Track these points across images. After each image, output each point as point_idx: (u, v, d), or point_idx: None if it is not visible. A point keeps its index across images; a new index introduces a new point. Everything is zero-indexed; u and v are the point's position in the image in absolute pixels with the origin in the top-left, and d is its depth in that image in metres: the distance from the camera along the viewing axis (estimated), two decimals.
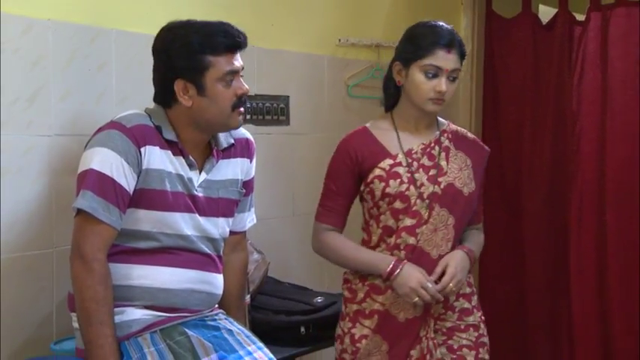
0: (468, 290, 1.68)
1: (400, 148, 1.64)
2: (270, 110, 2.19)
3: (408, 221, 1.61)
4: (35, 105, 1.62)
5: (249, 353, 1.50)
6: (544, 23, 2.73)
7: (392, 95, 1.70)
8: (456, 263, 1.59)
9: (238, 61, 1.48)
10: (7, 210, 1.58)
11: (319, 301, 1.92)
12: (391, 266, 1.58)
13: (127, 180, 1.41)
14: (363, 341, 1.63)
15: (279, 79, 2.22)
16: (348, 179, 1.66)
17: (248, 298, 1.79)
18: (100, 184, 1.39)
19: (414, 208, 1.60)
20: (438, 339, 1.64)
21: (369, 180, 1.63)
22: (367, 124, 1.72)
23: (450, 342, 1.64)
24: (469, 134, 1.75)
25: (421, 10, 2.61)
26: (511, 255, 2.81)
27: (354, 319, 1.66)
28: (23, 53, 1.59)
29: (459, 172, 1.64)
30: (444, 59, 1.58)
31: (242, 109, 1.50)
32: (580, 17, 2.62)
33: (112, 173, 1.40)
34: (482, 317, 1.71)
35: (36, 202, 1.63)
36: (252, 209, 1.70)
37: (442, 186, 1.61)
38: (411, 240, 1.61)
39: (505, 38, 2.76)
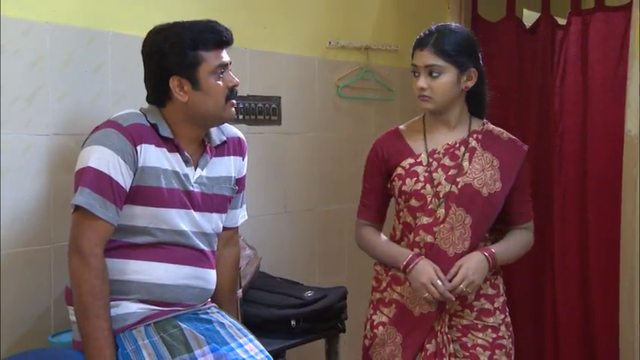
0: (491, 291, 1.68)
1: (425, 148, 1.69)
2: (262, 110, 2.24)
3: (425, 219, 1.65)
4: (34, 105, 1.66)
5: (241, 345, 1.54)
6: (527, 27, 2.79)
7: None
8: (469, 265, 1.59)
9: (226, 55, 1.53)
10: (7, 207, 1.61)
11: (309, 295, 1.96)
12: (407, 260, 1.64)
13: (123, 177, 1.45)
14: (380, 328, 1.70)
15: (271, 81, 2.26)
16: (378, 177, 1.74)
17: (240, 292, 1.82)
18: (97, 181, 1.43)
19: (429, 207, 1.64)
20: (452, 335, 1.65)
21: (391, 178, 1.71)
22: (401, 126, 1.78)
23: (464, 339, 1.65)
24: (505, 134, 1.73)
25: (409, 13, 2.68)
26: None
27: (376, 306, 1.73)
28: (22, 55, 1.63)
29: (481, 173, 1.64)
30: (418, 57, 1.65)
31: (234, 100, 1.55)
32: (562, 21, 2.68)
33: (109, 171, 1.44)
34: (507, 320, 1.70)
35: (35, 200, 1.67)
36: (244, 206, 1.75)
37: (459, 186, 1.63)
38: (429, 238, 1.64)
39: (490, 41, 2.80)
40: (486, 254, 1.63)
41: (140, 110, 1.54)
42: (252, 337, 1.59)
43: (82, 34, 1.75)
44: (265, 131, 2.25)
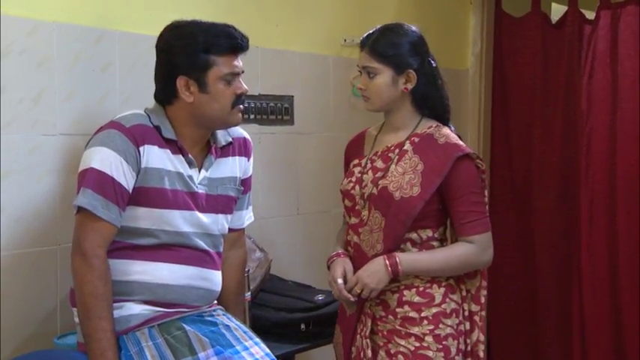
0: (417, 299, 1.61)
1: (371, 149, 1.71)
2: (274, 110, 2.20)
3: (353, 220, 1.67)
4: (40, 105, 1.66)
5: (246, 348, 1.51)
6: (554, 22, 2.70)
7: None
8: (366, 268, 1.58)
9: (239, 63, 1.51)
10: (13, 208, 1.61)
11: (320, 298, 1.93)
12: (329, 257, 1.69)
13: (126, 178, 1.44)
14: (337, 327, 1.77)
15: (283, 79, 2.23)
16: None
17: (248, 295, 1.80)
18: (100, 182, 1.42)
19: (356, 207, 1.66)
20: (378, 341, 1.63)
21: None
22: (371, 127, 1.79)
23: (389, 345, 1.62)
24: (443, 139, 1.61)
25: (429, 9, 2.60)
26: (521, 254, 2.79)
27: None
28: (29, 54, 1.63)
29: (400, 177, 1.59)
30: (360, 57, 1.66)
31: (241, 106, 1.54)
32: (590, 15, 2.59)
33: (112, 172, 1.43)
34: (439, 332, 1.60)
35: (41, 200, 1.66)
36: (250, 207, 1.72)
37: (379, 188, 1.62)
38: (355, 238, 1.65)
39: (514, 37, 2.74)
40: (387, 261, 1.57)
41: (145, 111, 1.53)
42: (258, 340, 1.57)
43: (89, 33, 1.74)
44: (277, 131, 2.22)
